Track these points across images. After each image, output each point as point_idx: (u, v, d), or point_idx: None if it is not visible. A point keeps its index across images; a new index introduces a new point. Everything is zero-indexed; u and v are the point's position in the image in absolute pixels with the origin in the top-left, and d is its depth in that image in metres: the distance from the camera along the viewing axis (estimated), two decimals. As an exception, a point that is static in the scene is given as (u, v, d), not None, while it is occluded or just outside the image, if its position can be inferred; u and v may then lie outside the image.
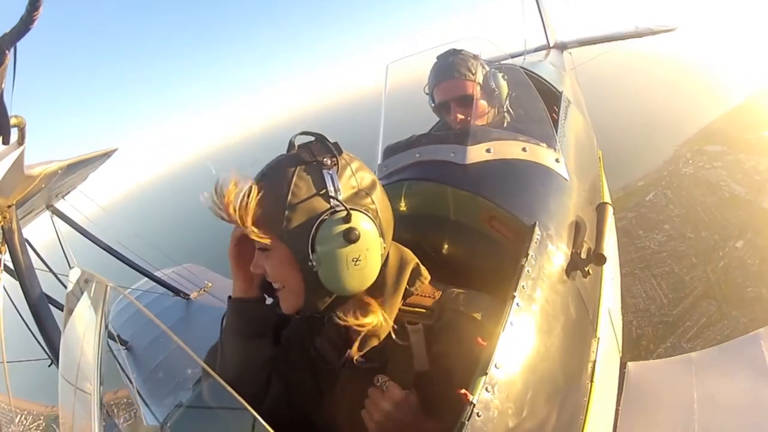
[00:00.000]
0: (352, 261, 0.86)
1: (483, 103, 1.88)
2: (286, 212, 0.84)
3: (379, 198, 0.93)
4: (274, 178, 0.87)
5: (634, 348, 14.57)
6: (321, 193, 0.86)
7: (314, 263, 0.85)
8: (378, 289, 0.92)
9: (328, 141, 0.91)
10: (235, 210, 0.82)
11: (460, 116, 1.84)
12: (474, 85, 1.84)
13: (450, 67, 1.87)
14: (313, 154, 0.88)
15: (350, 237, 0.84)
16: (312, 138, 0.93)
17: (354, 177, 0.90)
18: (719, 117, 27.63)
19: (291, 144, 0.93)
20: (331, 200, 0.86)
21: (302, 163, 0.88)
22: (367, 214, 0.88)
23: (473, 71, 1.85)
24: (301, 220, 0.85)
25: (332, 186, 0.87)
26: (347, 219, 0.84)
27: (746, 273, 16.27)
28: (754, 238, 17.47)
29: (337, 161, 0.89)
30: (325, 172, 0.87)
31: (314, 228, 0.84)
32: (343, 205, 0.85)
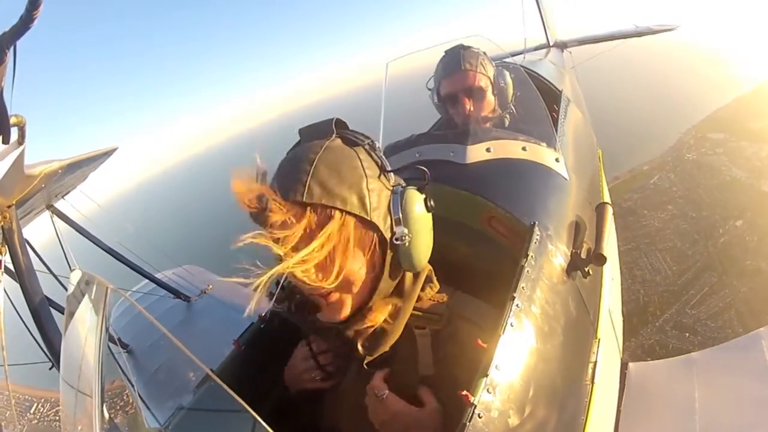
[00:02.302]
0: (431, 230, 0.88)
1: (491, 97, 1.88)
2: (369, 191, 0.78)
3: None
4: (335, 162, 0.77)
5: (642, 313, 16.10)
6: (384, 171, 0.84)
7: (405, 238, 0.81)
8: (396, 293, 0.90)
9: (356, 131, 0.89)
10: (283, 209, 0.70)
11: (469, 107, 1.84)
12: (484, 78, 1.85)
13: (460, 59, 1.86)
14: (358, 137, 0.84)
15: (429, 205, 0.87)
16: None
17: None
18: (724, 106, 28.77)
19: (314, 132, 0.85)
20: (392, 177, 0.85)
21: (355, 145, 0.83)
22: None
23: (483, 65, 1.86)
24: (382, 199, 0.81)
25: (386, 165, 0.85)
26: (421, 189, 0.86)
27: (745, 248, 17.62)
28: (753, 217, 18.75)
29: (375, 146, 0.86)
30: (377, 153, 0.85)
31: (400, 201, 0.82)
32: (426, 172, 0.88)
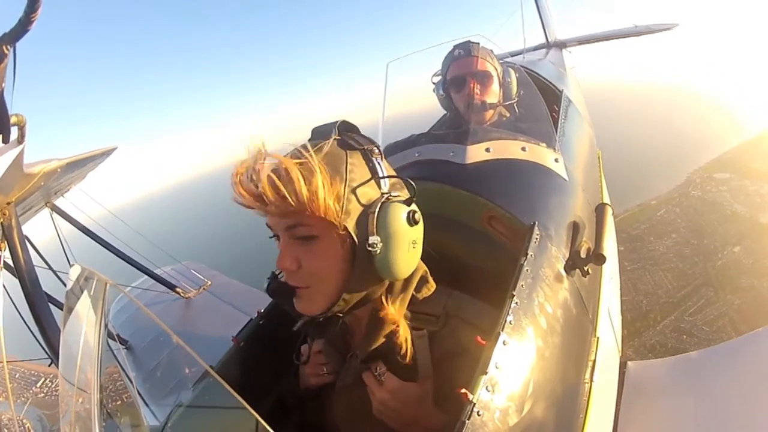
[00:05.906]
0: (412, 243, 0.86)
1: (497, 87, 1.91)
2: (346, 194, 0.80)
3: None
4: (326, 160, 0.81)
5: (644, 319, 18.41)
6: (376, 178, 0.85)
7: (375, 247, 0.81)
8: (387, 293, 0.91)
9: (363, 135, 0.91)
10: (277, 192, 0.75)
11: (474, 90, 1.86)
12: (492, 67, 1.90)
13: (470, 47, 1.92)
14: (358, 141, 0.87)
15: (414, 218, 0.85)
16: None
17: (390, 170, 0.91)
18: (733, 148, 31.18)
19: (321, 132, 0.89)
20: (383, 185, 0.86)
21: (350, 148, 0.85)
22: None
23: (491, 57, 1.92)
24: (361, 204, 0.82)
25: (382, 173, 0.87)
26: (408, 202, 0.86)
27: (741, 269, 19.82)
28: (750, 244, 20.97)
29: (380, 152, 0.89)
30: (374, 159, 0.87)
31: (377, 210, 0.82)
32: (412, 185, 0.88)
